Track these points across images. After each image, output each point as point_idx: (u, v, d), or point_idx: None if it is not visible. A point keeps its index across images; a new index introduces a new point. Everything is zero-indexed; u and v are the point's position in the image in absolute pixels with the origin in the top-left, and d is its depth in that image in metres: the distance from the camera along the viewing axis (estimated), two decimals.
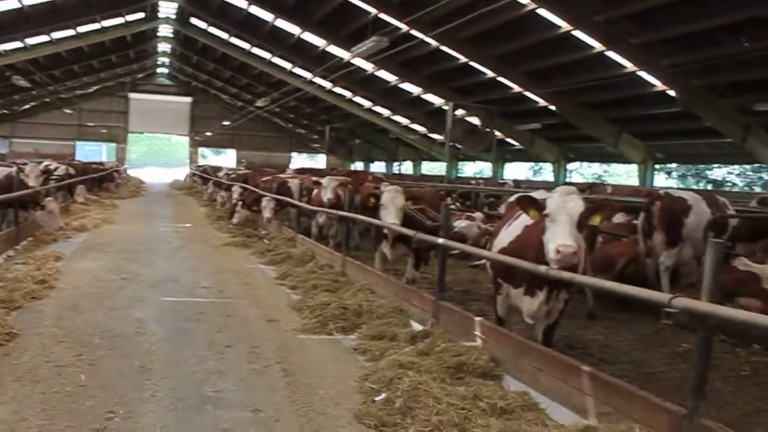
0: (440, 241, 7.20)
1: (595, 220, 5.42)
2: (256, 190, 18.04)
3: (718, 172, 31.33)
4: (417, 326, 7.39)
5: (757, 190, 28.42)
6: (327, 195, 13.12)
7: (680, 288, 10.59)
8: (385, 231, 9.10)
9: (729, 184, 30.74)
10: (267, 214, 15.68)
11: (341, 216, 10.93)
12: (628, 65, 19.65)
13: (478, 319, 6.38)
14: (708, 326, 3.83)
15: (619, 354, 7.64)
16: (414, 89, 31.65)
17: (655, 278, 10.19)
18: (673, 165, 29.91)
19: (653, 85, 20.44)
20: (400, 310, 7.99)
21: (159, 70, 56.60)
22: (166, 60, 51.97)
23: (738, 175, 30.88)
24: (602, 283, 4.76)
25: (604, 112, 24.67)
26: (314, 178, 17.96)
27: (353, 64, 30.38)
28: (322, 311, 7.93)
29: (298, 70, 35.26)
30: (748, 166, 28.70)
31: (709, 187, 29.78)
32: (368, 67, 30.34)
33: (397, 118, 38.75)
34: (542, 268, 5.16)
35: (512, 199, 7.38)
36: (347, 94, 37.96)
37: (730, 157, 24.88)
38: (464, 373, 5.65)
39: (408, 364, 5.68)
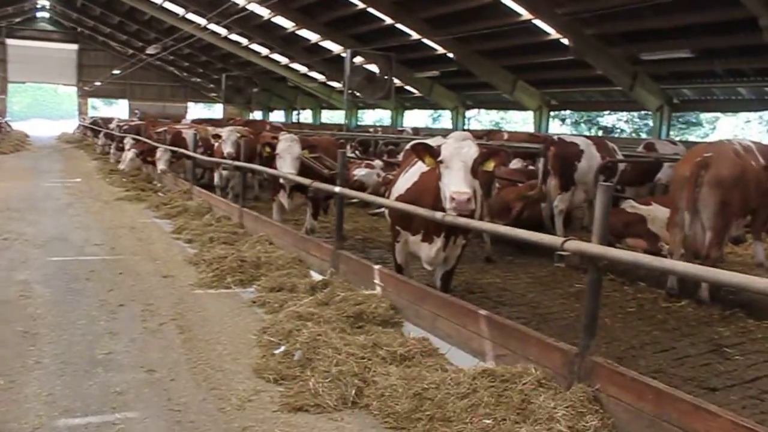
0: (337, 189, 7.08)
1: (489, 166, 5.41)
2: (149, 141, 17.33)
3: (608, 119, 32.58)
4: (316, 276, 7.32)
5: (643, 135, 29.76)
6: (227, 149, 12.73)
7: (573, 231, 10.99)
8: (282, 181, 8.91)
9: (618, 130, 32.04)
10: (162, 165, 15.09)
11: (236, 166, 10.63)
12: (524, 13, 19.83)
13: (377, 267, 6.36)
14: (598, 267, 3.92)
15: (516, 296, 7.84)
16: (312, 36, 31.02)
17: (550, 222, 10.51)
18: (567, 112, 30.79)
19: (548, 34, 20.74)
20: (299, 261, 7.88)
21: (39, 14, 53.09)
22: (46, 3, 48.69)
23: (626, 121, 32.20)
24: (497, 228, 4.80)
25: (501, 60, 24.94)
26: (210, 129, 17.46)
27: (248, 10, 29.41)
28: (219, 264, 7.72)
29: (191, 16, 33.87)
30: (635, 113, 29.93)
31: (600, 133, 30.94)
32: (264, 13, 29.45)
33: (296, 66, 38.00)
34: (438, 215, 5.15)
35: (408, 146, 7.34)
36: (244, 41, 36.86)
37: (619, 104, 25.83)
38: (364, 322, 5.65)
39: (307, 315, 5.60)
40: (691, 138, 26.95)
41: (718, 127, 28.83)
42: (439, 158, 5.19)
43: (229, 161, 11.50)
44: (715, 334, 6.68)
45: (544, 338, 4.34)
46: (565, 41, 20.32)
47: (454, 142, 5.17)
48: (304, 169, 8.65)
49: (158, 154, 15.21)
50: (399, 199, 6.07)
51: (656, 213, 9.76)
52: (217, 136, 13.86)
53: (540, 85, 26.15)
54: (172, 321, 6.06)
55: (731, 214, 7.65)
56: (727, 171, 7.55)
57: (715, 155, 7.65)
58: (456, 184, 4.98)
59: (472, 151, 5.14)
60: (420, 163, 5.68)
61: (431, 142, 6.60)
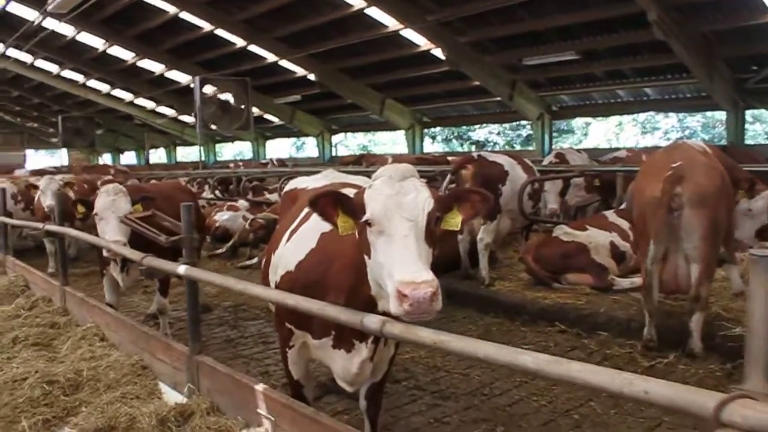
0: (182, 270, 4.42)
1: (455, 221, 2.91)
2: None
3: (479, 133, 31.48)
4: (169, 394, 4.82)
5: (518, 147, 28.83)
6: (47, 201, 10.20)
7: (495, 268, 9.00)
8: (106, 253, 6.16)
9: (491, 143, 31.01)
10: None
11: (48, 231, 7.80)
12: (391, 23, 18.02)
13: (259, 387, 3.91)
14: None
15: (456, 380, 5.73)
16: (156, 67, 27.90)
17: (469, 259, 8.51)
18: (438, 129, 29.38)
19: (418, 45, 19.10)
20: (143, 368, 5.32)
21: None
22: None
23: (498, 134, 31.24)
24: (515, 357, 2.29)
25: (367, 77, 23.05)
26: (33, 179, 14.36)
27: (81, 42, 26.03)
28: (14, 393, 4.97)
29: (13, 52, 29.82)
30: (507, 125, 28.95)
31: (473, 148, 29.76)
32: (98, 44, 26.17)
33: (141, 101, 34.53)
34: (374, 322, 2.79)
35: (290, 187, 4.97)
36: (80, 78, 33.04)
37: (496, 116, 24.33)
38: None
39: None
40: (565, 146, 26.19)
41: (590, 133, 28.26)
42: (365, 217, 2.76)
43: (39, 225, 8.59)
44: None
45: None
46: (437, 52, 18.73)
47: (389, 186, 2.74)
48: (136, 233, 5.99)
49: None
50: (287, 278, 3.58)
51: (597, 239, 7.96)
52: (33, 187, 11.08)
53: (410, 102, 24.52)
54: None
55: (719, 235, 5.88)
56: (708, 182, 5.78)
57: (687, 165, 5.85)
58: (405, 266, 2.56)
59: (421, 197, 2.73)
60: (315, 216, 3.27)
61: (323, 180, 4.38)
